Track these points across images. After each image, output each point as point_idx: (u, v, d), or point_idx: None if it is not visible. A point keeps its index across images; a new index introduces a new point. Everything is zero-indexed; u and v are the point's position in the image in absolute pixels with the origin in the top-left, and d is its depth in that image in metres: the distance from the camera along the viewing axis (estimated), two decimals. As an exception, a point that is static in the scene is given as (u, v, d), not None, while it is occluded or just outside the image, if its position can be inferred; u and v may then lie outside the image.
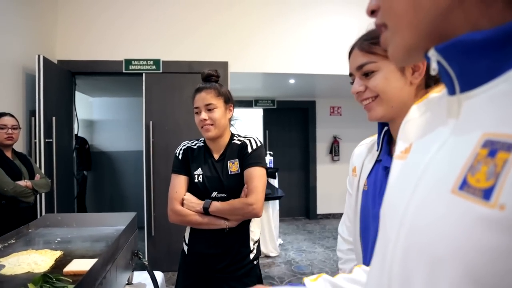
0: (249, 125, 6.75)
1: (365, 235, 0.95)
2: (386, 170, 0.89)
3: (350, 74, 0.93)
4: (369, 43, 0.87)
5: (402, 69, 0.85)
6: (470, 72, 0.41)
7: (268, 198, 4.24)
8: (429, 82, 0.87)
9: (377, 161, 0.96)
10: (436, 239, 0.38)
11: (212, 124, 1.52)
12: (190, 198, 1.52)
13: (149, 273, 1.42)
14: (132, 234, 1.47)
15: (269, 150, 5.53)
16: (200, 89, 1.56)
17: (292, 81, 4.89)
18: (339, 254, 1.14)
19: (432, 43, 0.43)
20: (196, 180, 1.56)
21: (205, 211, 1.48)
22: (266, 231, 4.31)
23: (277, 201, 4.46)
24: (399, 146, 0.53)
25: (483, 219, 0.33)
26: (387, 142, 0.95)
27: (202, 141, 1.65)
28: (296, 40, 3.92)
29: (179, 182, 1.57)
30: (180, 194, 1.54)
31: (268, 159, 4.84)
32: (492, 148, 0.35)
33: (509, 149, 0.34)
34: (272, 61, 3.93)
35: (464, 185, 0.36)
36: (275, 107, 6.44)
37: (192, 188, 1.56)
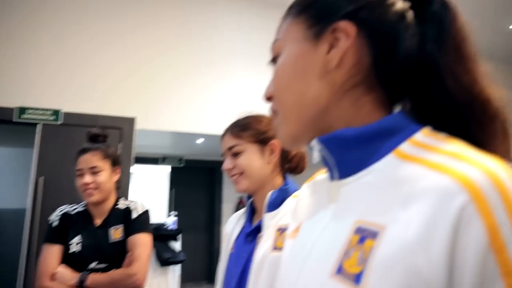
0: (154, 183, 6.49)
1: None
2: (246, 235, 1.09)
3: (222, 154, 1.13)
4: (238, 130, 1.09)
5: (262, 152, 1.07)
6: (346, 161, 0.48)
7: (168, 262, 3.99)
8: (283, 162, 1.11)
9: (243, 228, 1.14)
10: None
11: (96, 188, 1.44)
12: (63, 271, 1.37)
13: None
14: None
15: (174, 210, 5.33)
16: (85, 150, 1.50)
17: (200, 140, 4.93)
18: None
19: (314, 134, 0.50)
20: (72, 250, 1.43)
21: (81, 285, 1.34)
22: (165, 299, 4.00)
23: (178, 266, 4.23)
24: (291, 225, 0.59)
25: None
26: (251, 212, 1.14)
27: (83, 205, 1.54)
28: (206, 100, 4.02)
29: (51, 254, 1.42)
30: (51, 267, 1.39)
31: (172, 220, 4.65)
32: (362, 235, 0.40)
33: (375, 236, 0.38)
34: (181, 120, 3.93)
35: (340, 270, 0.40)
36: (183, 165, 6.35)
37: (68, 259, 1.42)
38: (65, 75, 3.51)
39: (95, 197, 1.46)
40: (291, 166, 1.14)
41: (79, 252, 1.41)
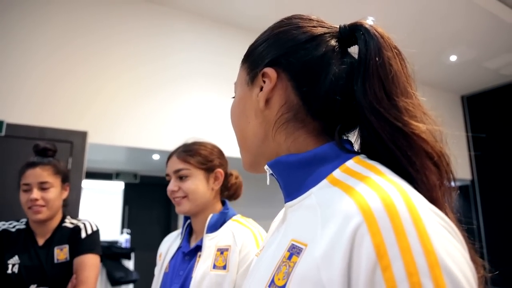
0: (107, 200, 6.22)
1: None
2: (183, 254, 1.13)
3: (167, 175, 1.18)
4: (185, 154, 1.13)
5: (207, 178, 1.14)
6: (289, 184, 0.54)
7: (120, 282, 3.82)
8: (224, 189, 1.20)
9: (179, 247, 1.18)
10: None
11: (43, 206, 1.36)
12: None
13: None
14: None
15: (128, 228, 5.14)
16: (35, 164, 1.41)
17: (156, 157, 4.83)
18: None
19: (264, 161, 0.57)
20: (9, 271, 1.33)
21: None
22: (115, 322, 3.80)
23: (130, 286, 4.05)
24: (260, 245, 0.65)
25: None
26: (188, 233, 1.20)
27: (24, 222, 1.44)
28: (162, 116, 3.97)
29: None
30: None
31: (125, 237, 4.48)
32: (291, 252, 0.45)
33: (299, 253, 0.43)
34: (136, 135, 3.85)
35: (271, 283, 0.45)
36: (138, 181, 6.16)
37: (3, 281, 1.32)
38: (11, 84, 3.33)
39: (43, 214, 1.37)
40: (229, 193, 1.24)
41: (17, 274, 1.31)
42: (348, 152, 0.51)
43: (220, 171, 1.17)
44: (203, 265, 1.03)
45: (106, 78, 3.73)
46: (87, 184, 4.07)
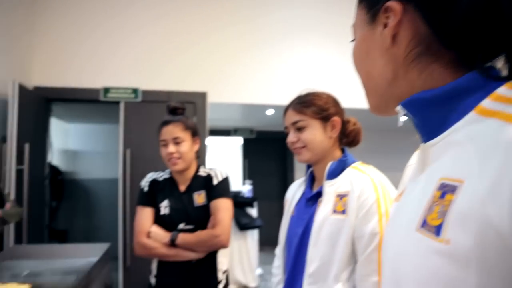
0: (228, 154, 6.75)
1: (289, 250, 1.21)
2: (306, 199, 1.19)
3: (285, 127, 1.22)
4: (301, 106, 1.16)
5: (324, 127, 1.15)
6: (428, 123, 0.51)
7: (246, 227, 4.19)
8: (342, 137, 1.20)
9: (303, 194, 1.25)
10: (403, 270, 0.45)
11: (179, 158, 1.54)
12: (156, 230, 1.52)
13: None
14: (105, 266, 1.43)
15: (249, 179, 5.52)
16: (167, 122, 1.57)
17: (270, 112, 4.97)
18: (273, 270, 1.38)
19: (394, 102, 0.54)
20: (162, 213, 1.56)
21: (172, 243, 1.47)
22: (245, 261, 4.24)
23: (256, 231, 4.42)
24: (399, 189, 0.63)
25: (436, 252, 0.40)
26: (311, 180, 1.25)
27: (168, 173, 1.65)
28: (274, 71, 4.02)
29: (145, 215, 1.55)
30: (146, 226, 1.53)
31: (247, 188, 4.83)
32: (444, 190, 0.42)
33: (454, 191, 0.40)
34: (250, 92, 4.00)
35: (424, 224, 0.43)
36: (254, 136, 6.49)
37: (159, 220, 1.56)
38: (142, 56, 3.75)
39: (179, 166, 1.55)
40: (348, 140, 1.23)
41: (168, 215, 1.55)
42: (495, 79, 0.44)
43: (336, 119, 1.16)
44: (323, 210, 1.08)
45: (221, 40, 3.91)
46: (210, 141, 4.46)
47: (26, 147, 3.06)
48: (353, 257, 1.03)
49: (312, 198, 1.17)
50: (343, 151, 1.21)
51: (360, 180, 1.06)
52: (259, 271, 4.68)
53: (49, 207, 4.44)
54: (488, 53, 0.47)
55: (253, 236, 4.38)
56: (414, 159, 0.66)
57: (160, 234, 1.49)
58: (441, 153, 0.47)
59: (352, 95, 3.04)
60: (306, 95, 1.19)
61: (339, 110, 1.19)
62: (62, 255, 1.53)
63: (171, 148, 1.53)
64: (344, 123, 1.20)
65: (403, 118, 0.54)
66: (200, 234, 1.49)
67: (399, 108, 0.52)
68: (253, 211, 4.49)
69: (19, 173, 3.00)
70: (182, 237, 1.47)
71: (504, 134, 0.38)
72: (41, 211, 3.59)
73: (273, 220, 6.52)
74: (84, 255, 1.52)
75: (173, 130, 1.54)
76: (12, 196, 2.84)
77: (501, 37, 0.44)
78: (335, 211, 1.06)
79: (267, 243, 6.27)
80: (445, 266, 0.39)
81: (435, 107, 0.49)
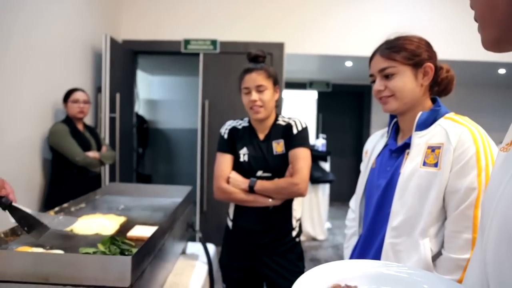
0: (302, 108, 6.69)
1: (368, 202, 1.16)
2: (390, 151, 1.12)
3: (371, 75, 1.12)
4: (390, 51, 1.06)
5: (415, 74, 1.05)
6: None
7: (318, 181, 4.22)
8: (433, 85, 1.10)
9: (385, 145, 1.17)
10: None
11: (261, 106, 1.54)
12: (235, 176, 1.56)
13: (202, 244, 1.50)
14: (188, 207, 1.55)
15: (322, 133, 5.46)
16: (250, 70, 1.55)
17: (348, 64, 4.75)
18: (347, 222, 1.35)
19: None
20: (241, 160, 1.59)
21: (251, 190, 1.51)
22: (315, 215, 4.31)
23: (327, 185, 4.43)
24: (506, 139, 0.55)
25: None
26: (395, 131, 1.17)
27: (247, 121, 1.67)
28: (353, 22, 3.79)
29: (225, 161, 1.60)
30: (226, 172, 1.58)
31: (321, 142, 4.79)
32: None
33: None
34: (329, 43, 3.84)
35: None
36: (330, 90, 6.30)
37: (237, 167, 1.60)
38: (219, 7, 3.75)
39: (261, 114, 1.54)
40: (439, 88, 1.12)
41: (247, 162, 1.58)
42: None
43: (429, 65, 1.04)
44: (412, 162, 1.01)
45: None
46: (285, 94, 4.43)
47: (117, 96, 3.34)
48: (442, 213, 0.97)
49: (397, 150, 1.10)
50: (434, 100, 1.10)
51: (457, 131, 0.96)
52: (328, 225, 4.74)
53: (136, 153, 4.87)
54: None
55: (324, 190, 4.40)
56: None
57: (239, 180, 1.54)
58: None
59: (438, 46, 2.77)
60: (395, 39, 1.08)
61: (432, 55, 1.07)
62: (150, 194, 1.69)
63: (254, 95, 1.52)
64: (437, 70, 1.08)
65: None
66: (279, 182, 1.52)
67: None
68: (326, 166, 4.48)
69: (112, 120, 3.30)
70: (260, 184, 1.51)
71: None
72: (130, 156, 3.96)
73: (344, 176, 6.47)
74: (170, 196, 1.67)
75: (256, 78, 1.53)
76: (107, 141, 3.16)
77: None
78: (425, 164, 0.98)
79: (337, 198, 6.27)
80: None
81: None
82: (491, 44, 0.51)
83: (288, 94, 5.37)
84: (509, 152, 0.49)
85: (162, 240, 1.09)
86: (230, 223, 1.64)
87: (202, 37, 3.71)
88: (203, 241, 1.45)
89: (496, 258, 0.42)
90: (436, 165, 0.97)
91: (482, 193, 0.91)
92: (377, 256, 1.07)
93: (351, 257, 1.24)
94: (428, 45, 1.08)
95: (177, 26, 3.75)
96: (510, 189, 0.43)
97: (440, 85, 1.12)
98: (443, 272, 0.94)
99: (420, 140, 1.03)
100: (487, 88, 5.69)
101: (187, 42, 3.72)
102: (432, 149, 0.99)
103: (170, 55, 4.05)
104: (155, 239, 1.01)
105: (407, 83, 1.05)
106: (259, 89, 1.53)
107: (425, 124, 1.04)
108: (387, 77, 1.06)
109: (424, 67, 1.05)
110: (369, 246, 1.12)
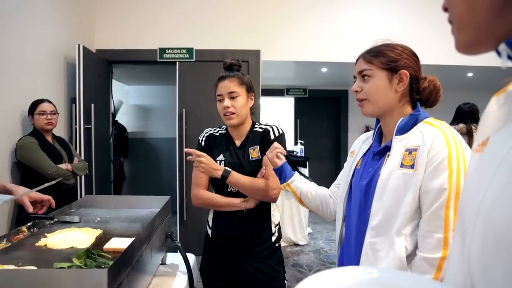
0: (280, 114, 6.74)
1: (351, 202, 1.22)
2: (373, 154, 1.17)
3: (354, 77, 1.19)
4: (370, 55, 1.13)
5: (390, 79, 1.10)
6: None
7: (298, 187, 4.23)
8: (413, 92, 1.12)
9: (370, 147, 1.22)
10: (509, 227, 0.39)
11: (233, 113, 1.56)
12: (209, 161, 1.52)
13: (182, 254, 1.48)
14: (166, 217, 1.53)
15: (300, 139, 5.51)
16: (224, 77, 1.59)
17: (324, 69, 4.83)
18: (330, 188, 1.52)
19: (494, 40, 0.46)
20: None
21: (222, 179, 1.51)
22: (296, 220, 4.33)
23: (307, 190, 4.45)
24: (477, 140, 0.55)
25: None
26: (379, 134, 1.21)
27: (224, 128, 1.69)
28: (329, 28, 3.87)
29: None
30: (203, 180, 1.61)
31: (299, 148, 4.83)
32: None
33: None
34: (304, 50, 3.89)
35: None
36: (307, 96, 6.39)
37: None
38: (195, 16, 3.76)
39: (234, 120, 1.57)
40: (422, 98, 1.14)
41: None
42: None
43: (404, 72, 1.08)
44: (390, 164, 1.05)
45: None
46: (262, 101, 4.46)
47: (92, 107, 3.28)
48: (418, 213, 1.00)
49: (379, 153, 1.14)
50: (415, 107, 1.14)
51: (432, 134, 1.00)
52: (309, 230, 4.77)
53: (115, 162, 4.78)
54: None
55: (304, 195, 4.42)
56: (493, 105, 0.58)
57: (211, 166, 1.50)
58: None
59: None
60: (379, 45, 1.14)
61: (411, 64, 1.10)
62: (128, 206, 1.66)
63: (227, 102, 1.56)
64: (416, 79, 1.12)
65: (504, 63, 0.47)
66: (257, 181, 1.54)
67: (503, 47, 0.45)
68: (305, 171, 4.51)
69: (87, 131, 3.24)
70: (235, 176, 1.52)
71: None
72: (107, 167, 3.89)
73: (324, 181, 6.49)
74: (147, 206, 1.64)
75: (229, 85, 1.56)
76: (82, 152, 3.09)
77: None
78: (402, 165, 1.03)
79: (319, 202, 6.32)
80: None
81: None
82: (466, 47, 0.51)
83: (265, 101, 5.40)
84: (483, 152, 0.50)
85: (140, 251, 1.08)
86: (209, 231, 1.64)
87: (178, 46, 3.70)
88: (182, 251, 1.43)
89: (482, 258, 0.42)
90: (412, 166, 1.01)
91: (452, 194, 0.94)
92: (358, 255, 1.09)
93: (340, 257, 1.26)
94: (411, 55, 1.12)
95: (153, 35, 3.73)
96: (493, 189, 0.43)
97: (422, 95, 1.14)
98: (418, 272, 0.97)
99: (399, 144, 1.07)
100: (457, 91, 5.89)
101: (162, 50, 3.70)
102: (409, 151, 1.03)
103: (146, 64, 4.02)
104: (132, 250, 0.99)
105: (381, 87, 1.10)
106: (232, 95, 1.56)
107: (405, 129, 1.08)
108: (364, 78, 1.13)
109: (400, 74, 1.08)
110: (355, 245, 1.15)
